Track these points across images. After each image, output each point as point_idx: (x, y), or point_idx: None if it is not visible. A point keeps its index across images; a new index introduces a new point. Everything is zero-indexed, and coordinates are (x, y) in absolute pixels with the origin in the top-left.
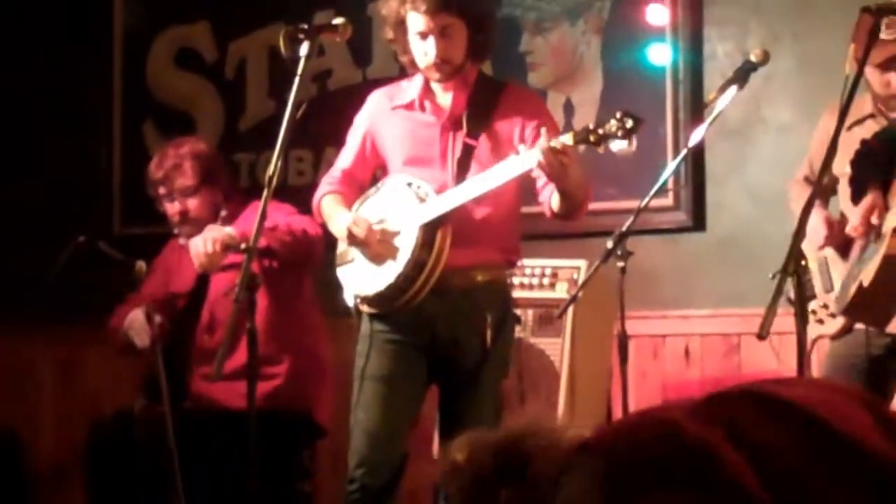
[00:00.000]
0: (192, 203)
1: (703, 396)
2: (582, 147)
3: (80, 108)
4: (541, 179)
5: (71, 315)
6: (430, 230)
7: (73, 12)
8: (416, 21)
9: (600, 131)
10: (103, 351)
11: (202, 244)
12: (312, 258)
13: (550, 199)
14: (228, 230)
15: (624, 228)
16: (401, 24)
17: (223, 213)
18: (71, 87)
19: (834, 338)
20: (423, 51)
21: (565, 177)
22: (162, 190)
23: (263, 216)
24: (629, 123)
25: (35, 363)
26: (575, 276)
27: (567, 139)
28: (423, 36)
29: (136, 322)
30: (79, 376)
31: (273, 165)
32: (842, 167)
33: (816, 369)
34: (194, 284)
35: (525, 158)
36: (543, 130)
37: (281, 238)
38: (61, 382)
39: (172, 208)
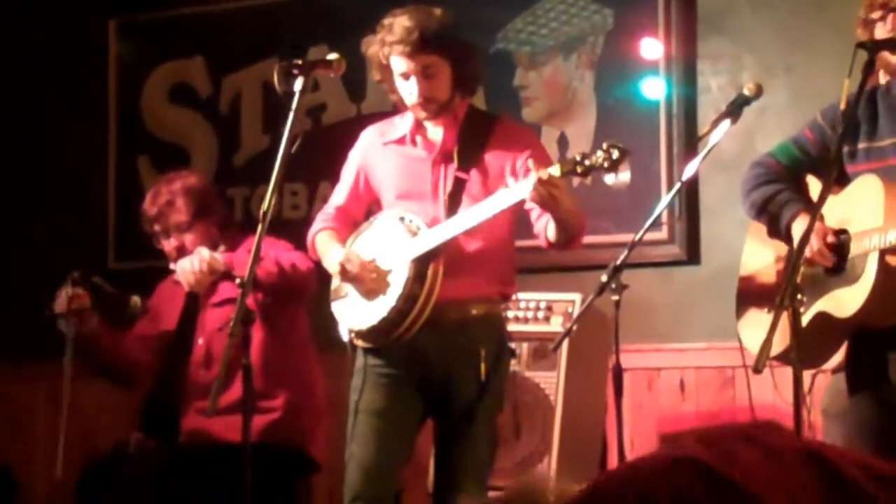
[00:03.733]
0: (189, 238)
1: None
2: (576, 180)
3: (74, 142)
4: (534, 211)
5: (65, 349)
6: (421, 264)
7: (67, 47)
8: (398, 63)
9: (587, 162)
10: (98, 386)
11: (189, 263)
12: (303, 292)
13: (546, 229)
14: (215, 254)
15: (618, 262)
16: (385, 66)
17: (221, 247)
18: (66, 121)
19: (834, 371)
20: (408, 91)
21: (557, 207)
22: (157, 227)
23: (258, 251)
24: (615, 154)
25: (29, 398)
26: (570, 309)
27: (554, 170)
28: (406, 77)
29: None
30: (73, 411)
31: (267, 201)
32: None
33: (812, 403)
34: (181, 318)
35: (515, 190)
36: (531, 162)
37: (267, 269)
38: (56, 417)
39: (169, 244)
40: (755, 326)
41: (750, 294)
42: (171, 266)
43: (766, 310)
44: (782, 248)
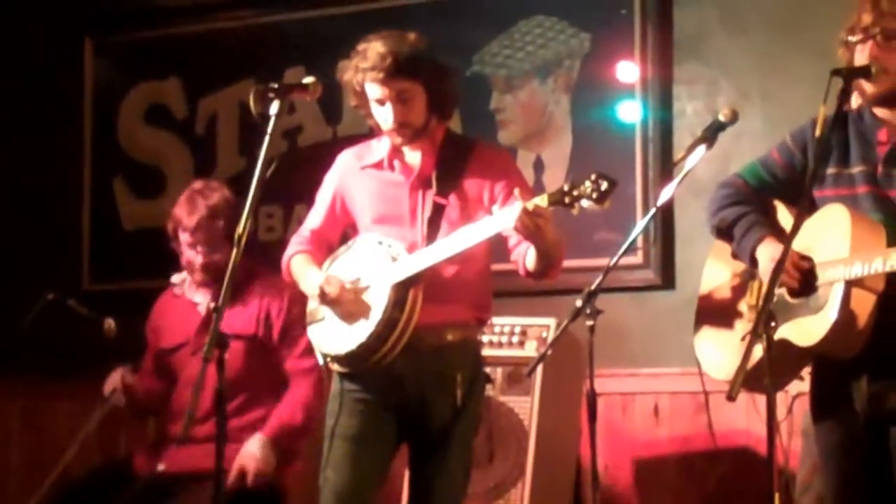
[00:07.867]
0: (217, 257)
1: None
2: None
3: (50, 163)
4: (513, 238)
5: (39, 370)
6: (402, 289)
7: (43, 68)
8: (372, 89)
9: (574, 193)
10: (71, 405)
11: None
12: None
13: (525, 258)
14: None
15: (593, 287)
16: (361, 92)
17: None
18: (41, 142)
19: None
20: (384, 116)
21: (543, 237)
22: (189, 238)
23: (233, 274)
24: (604, 185)
25: (2, 416)
26: (544, 334)
27: (541, 200)
28: (381, 102)
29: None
30: (46, 430)
31: (243, 224)
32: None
33: (791, 427)
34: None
35: (499, 219)
36: (517, 191)
37: (294, 425)
38: (28, 436)
39: (194, 258)
40: (712, 345)
41: (707, 313)
42: (174, 279)
43: (722, 329)
44: (739, 266)
